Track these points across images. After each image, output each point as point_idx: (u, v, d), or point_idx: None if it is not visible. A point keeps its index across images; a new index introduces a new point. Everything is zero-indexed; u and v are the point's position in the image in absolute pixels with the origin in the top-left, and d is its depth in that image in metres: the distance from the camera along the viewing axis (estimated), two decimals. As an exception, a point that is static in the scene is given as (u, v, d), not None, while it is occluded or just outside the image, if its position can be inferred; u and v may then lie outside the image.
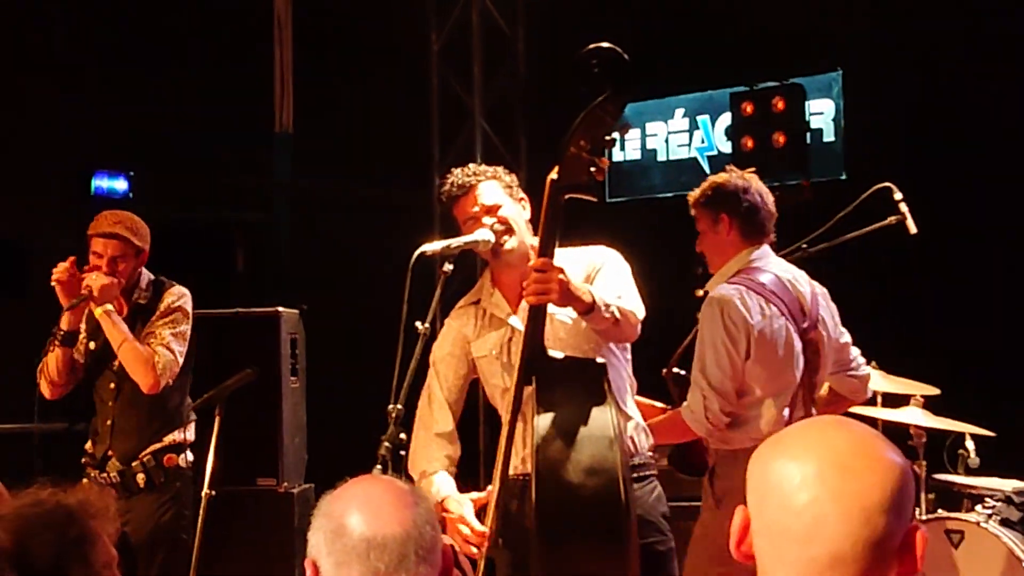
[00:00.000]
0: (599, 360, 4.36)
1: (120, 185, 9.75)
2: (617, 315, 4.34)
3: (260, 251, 10.11)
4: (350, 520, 2.41)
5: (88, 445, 6.03)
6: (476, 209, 4.64)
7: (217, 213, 10.07)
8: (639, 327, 4.53)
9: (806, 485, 1.97)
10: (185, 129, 9.68)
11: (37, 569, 2.66)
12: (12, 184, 9.16)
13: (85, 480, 5.91)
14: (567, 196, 4.19)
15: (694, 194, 5.20)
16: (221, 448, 5.69)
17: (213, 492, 5.70)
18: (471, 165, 4.80)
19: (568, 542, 4.04)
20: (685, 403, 4.91)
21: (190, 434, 6.07)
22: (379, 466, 4.14)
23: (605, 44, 4.12)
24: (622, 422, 4.43)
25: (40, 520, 2.72)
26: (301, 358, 7.74)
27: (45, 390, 5.94)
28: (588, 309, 4.28)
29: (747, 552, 2.08)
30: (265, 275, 9.93)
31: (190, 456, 6.02)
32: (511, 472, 4.40)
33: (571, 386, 4.24)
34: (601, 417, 4.16)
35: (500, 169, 4.78)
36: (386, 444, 4.18)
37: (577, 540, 4.03)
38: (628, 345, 4.74)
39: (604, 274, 4.60)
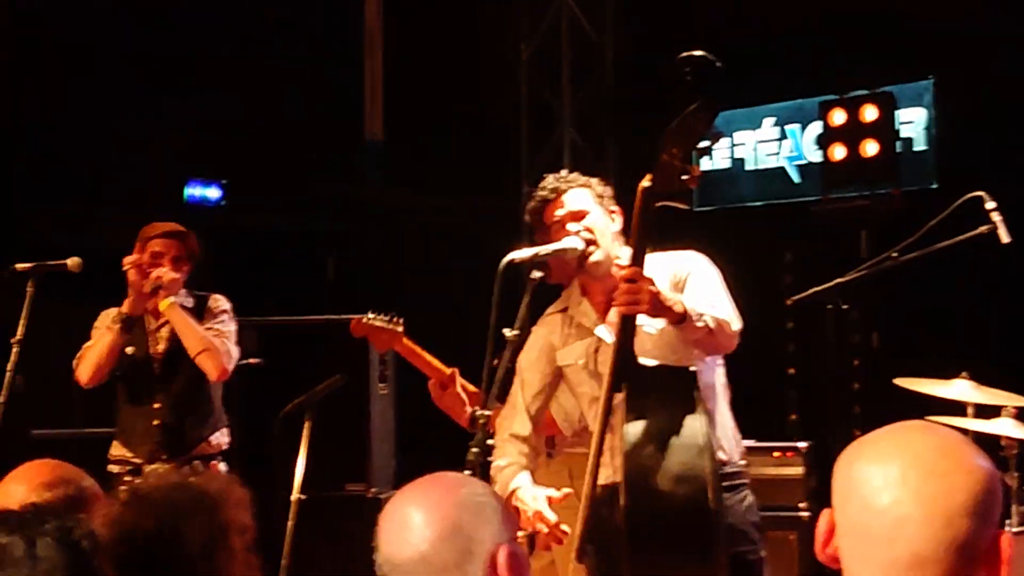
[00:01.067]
0: (690, 367, 4.35)
1: (213, 193, 9.85)
2: (711, 324, 4.31)
3: (351, 259, 10.18)
4: (378, 538, 2.48)
5: (118, 451, 6.07)
6: (562, 213, 4.64)
7: (308, 222, 10.15)
8: (737, 337, 4.49)
9: (888, 486, 1.98)
10: (277, 138, 9.75)
11: (188, 553, 2.67)
12: (107, 193, 9.27)
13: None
14: (659, 204, 4.19)
15: None
16: (311, 453, 5.75)
17: (304, 496, 5.75)
18: (564, 172, 4.81)
19: (657, 549, 4.04)
20: None
21: (225, 438, 6.14)
22: (467, 471, 4.16)
23: (698, 52, 4.13)
24: (713, 430, 4.41)
25: (190, 504, 2.72)
26: (390, 365, 7.79)
27: (85, 373, 5.99)
28: (680, 319, 4.25)
29: (832, 554, 2.08)
30: (356, 283, 10.00)
31: (222, 467, 6.08)
32: (602, 481, 4.38)
33: (662, 394, 4.23)
34: (692, 425, 4.16)
35: (595, 180, 4.76)
36: (474, 450, 4.20)
37: (666, 548, 4.03)
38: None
39: (693, 282, 4.55)
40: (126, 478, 5.78)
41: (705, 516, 4.09)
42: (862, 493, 2.01)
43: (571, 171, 4.88)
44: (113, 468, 6.02)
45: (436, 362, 5.95)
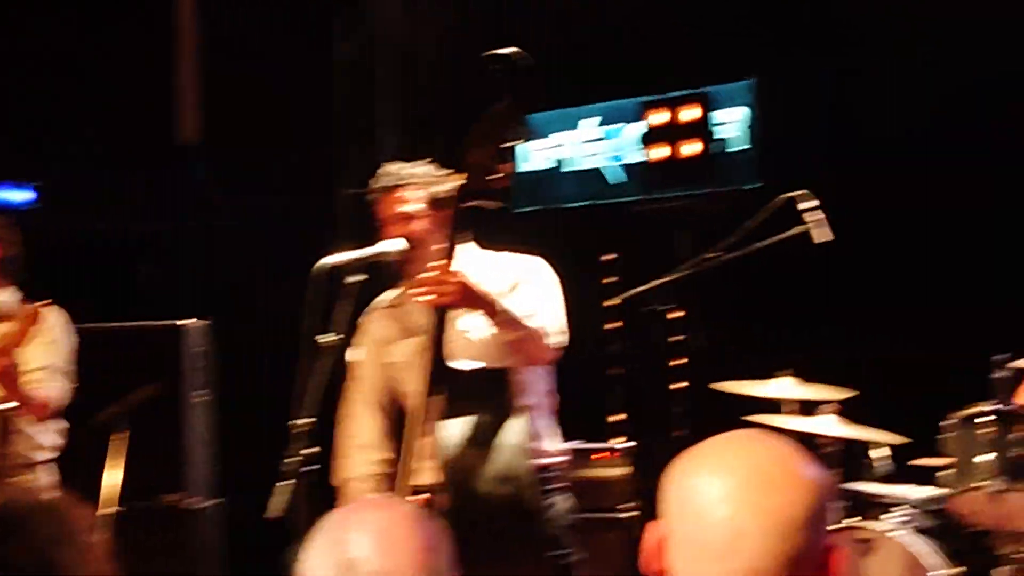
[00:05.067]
0: (505, 368, 4.33)
1: (23, 196, 9.59)
2: (522, 333, 4.30)
3: (167, 263, 9.95)
4: None
5: None
6: (392, 211, 4.59)
7: (122, 224, 9.91)
8: (552, 351, 4.49)
9: (726, 499, 1.94)
10: (89, 139, 9.51)
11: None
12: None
13: None
14: (469, 203, 4.17)
15: None
16: (126, 464, 5.59)
17: (120, 509, 5.60)
18: (407, 164, 4.73)
19: (479, 550, 3.97)
20: None
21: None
22: (285, 482, 4.09)
23: (507, 49, 4.09)
24: (534, 433, 4.39)
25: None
26: (208, 371, 7.63)
27: None
28: (490, 319, 4.23)
29: (660, 569, 2.04)
30: (171, 287, 9.78)
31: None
32: (418, 483, 4.35)
33: (477, 396, 4.22)
34: (509, 426, 4.16)
35: (442, 175, 4.67)
36: (291, 459, 4.14)
37: (489, 548, 3.98)
38: None
39: (525, 288, 4.55)
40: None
41: (526, 516, 4.10)
42: (698, 506, 1.97)
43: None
44: None
45: None
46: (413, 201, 4.62)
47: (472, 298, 4.18)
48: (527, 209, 9.61)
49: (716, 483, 1.96)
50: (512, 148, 4.15)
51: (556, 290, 4.60)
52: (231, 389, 8.05)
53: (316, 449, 4.21)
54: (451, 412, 4.16)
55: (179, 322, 7.49)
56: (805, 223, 5.56)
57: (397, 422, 4.67)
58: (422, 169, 4.69)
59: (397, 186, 4.63)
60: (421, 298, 4.21)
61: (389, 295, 4.86)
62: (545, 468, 4.56)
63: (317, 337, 4.24)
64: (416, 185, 4.64)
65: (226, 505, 7.62)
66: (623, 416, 8.89)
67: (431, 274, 4.17)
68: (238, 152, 9.47)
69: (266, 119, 9.42)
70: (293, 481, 4.15)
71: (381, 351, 4.76)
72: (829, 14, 8.30)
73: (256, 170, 9.51)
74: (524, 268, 4.62)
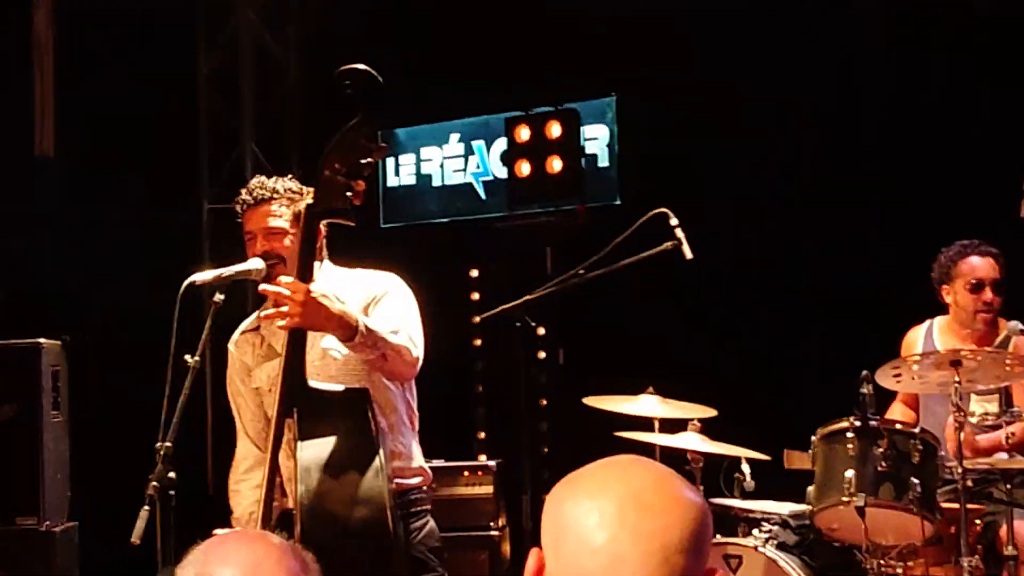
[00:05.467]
0: (362, 387, 4.29)
1: None
2: (386, 349, 4.26)
3: (22, 281, 9.72)
4: None
5: None
6: (255, 228, 4.53)
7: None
8: (416, 366, 4.45)
9: (605, 524, 1.92)
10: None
11: None
12: None
13: None
14: (324, 221, 4.14)
15: None
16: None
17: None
18: (278, 179, 4.66)
19: (336, 574, 3.92)
20: None
21: None
22: (147, 506, 4.01)
23: (359, 66, 4.07)
24: (395, 454, 4.41)
25: None
26: (64, 391, 7.46)
27: None
28: (350, 336, 4.19)
29: None
30: (30, 305, 9.56)
31: None
32: (286, 506, 4.36)
33: (334, 417, 4.17)
34: (366, 447, 4.11)
35: (308, 191, 4.58)
36: (154, 483, 4.06)
37: (345, 572, 3.91)
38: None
39: (384, 304, 4.51)
40: None
41: (384, 537, 4.06)
42: (576, 531, 1.94)
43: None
44: None
45: None
46: (280, 216, 4.55)
47: (330, 318, 4.12)
48: (394, 225, 9.57)
49: (595, 508, 1.93)
50: (367, 165, 4.11)
51: (414, 305, 4.57)
52: (87, 409, 7.90)
53: (173, 475, 4.10)
54: (310, 433, 4.10)
55: (35, 341, 7.32)
56: (676, 239, 5.57)
57: None
58: (287, 184, 4.62)
59: (264, 201, 4.56)
60: (277, 321, 4.14)
61: (251, 319, 4.79)
62: (407, 489, 4.53)
63: (185, 356, 4.15)
64: (282, 200, 4.57)
65: (81, 528, 7.46)
66: (486, 433, 8.88)
67: (283, 292, 4.09)
68: (97, 166, 9.29)
69: (128, 133, 9.26)
70: (156, 505, 4.05)
71: (247, 377, 4.69)
72: (688, 32, 8.38)
73: (116, 185, 9.34)
74: (381, 284, 4.57)
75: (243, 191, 4.64)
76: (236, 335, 4.78)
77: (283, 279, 4.17)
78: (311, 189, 4.51)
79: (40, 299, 8.97)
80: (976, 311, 6.26)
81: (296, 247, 4.48)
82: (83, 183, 9.40)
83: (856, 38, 8.10)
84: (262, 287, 4.24)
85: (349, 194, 4.10)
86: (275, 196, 4.56)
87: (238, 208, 4.64)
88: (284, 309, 4.09)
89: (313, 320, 4.09)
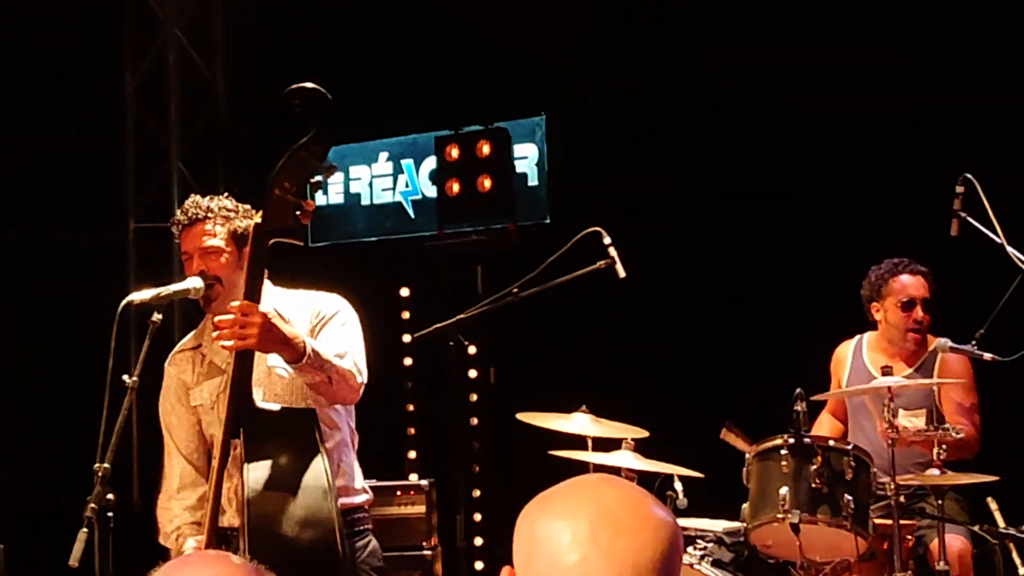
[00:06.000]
0: (308, 407, 4.26)
1: None
2: (331, 373, 4.24)
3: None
4: None
5: None
6: (191, 247, 4.50)
7: None
8: (359, 392, 4.45)
9: (577, 544, 1.92)
10: None
11: None
12: None
13: None
14: (272, 240, 4.09)
15: None
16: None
17: None
18: (212, 198, 4.62)
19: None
20: None
21: None
22: (85, 529, 4.01)
23: (309, 84, 4.05)
24: (340, 474, 4.40)
25: None
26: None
27: None
28: (297, 359, 4.16)
29: None
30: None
31: None
32: (221, 524, 4.31)
33: (281, 437, 4.16)
34: (314, 467, 4.10)
35: (243, 210, 4.59)
36: (92, 505, 4.05)
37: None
38: None
39: (330, 327, 4.49)
40: None
41: (332, 557, 4.06)
42: (549, 550, 1.94)
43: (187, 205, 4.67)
44: None
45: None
46: (215, 236, 4.52)
47: (277, 340, 4.09)
48: (322, 244, 9.52)
49: (567, 527, 1.94)
50: (316, 184, 4.10)
51: (359, 329, 4.56)
52: (18, 433, 7.80)
53: (111, 497, 4.06)
54: (257, 454, 4.06)
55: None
56: (609, 257, 5.58)
57: (209, 466, 4.58)
58: (222, 203, 4.58)
59: (199, 220, 4.52)
60: (223, 342, 4.10)
61: (189, 338, 4.75)
62: (351, 508, 4.51)
63: (123, 377, 4.11)
64: (216, 219, 4.53)
65: (7, 552, 7.35)
66: (418, 452, 8.84)
67: (230, 316, 4.06)
68: (22, 183, 9.17)
69: (53, 151, 9.15)
70: (94, 527, 4.01)
71: (185, 396, 4.64)
72: (616, 50, 8.41)
73: (43, 203, 9.22)
74: (326, 306, 4.55)
75: (178, 211, 4.60)
76: (172, 354, 4.74)
77: (234, 304, 4.14)
78: (247, 207, 4.49)
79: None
80: (907, 329, 6.32)
81: (232, 266, 4.46)
82: (7, 200, 9.28)
83: (791, 44, 8.12)
84: (217, 318, 4.17)
85: (298, 213, 4.08)
86: (209, 215, 4.53)
87: (174, 229, 4.60)
88: (236, 330, 4.04)
89: (264, 342, 4.07)
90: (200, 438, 4.62)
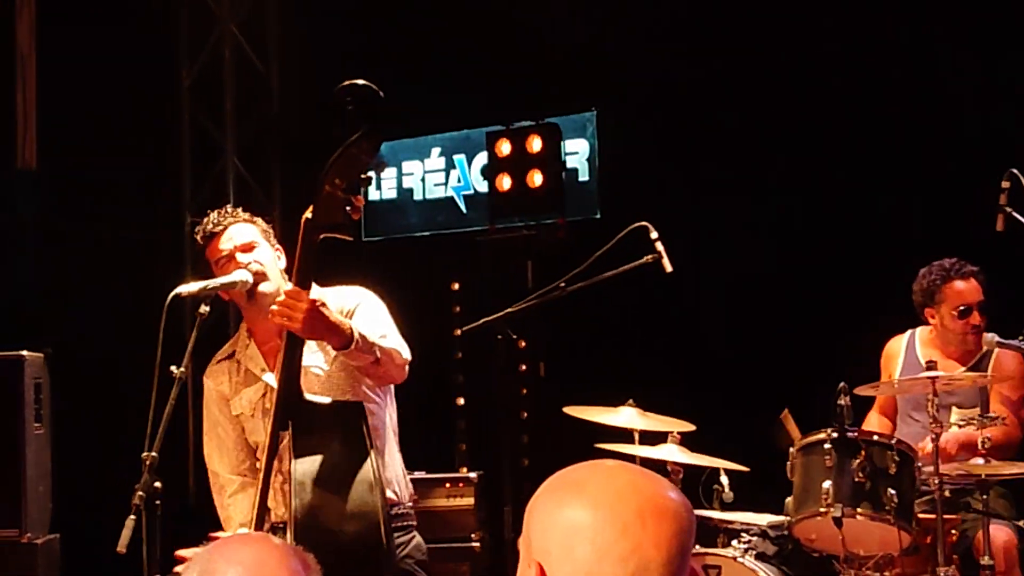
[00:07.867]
0: (356, 402, 4.30)
1: None
2: (378, 353, 4.28)
3: (4, 293, 9.72)
4: None
5: None
6: (228, 246, 4.55)
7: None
8: (406, 368, 4.48)
9: (629, 532, 1.93)
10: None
11: None
12: None
13: None
14: (322, 235, 4.13)
15: None
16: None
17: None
18: (228, 207, 4.70)
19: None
20: None
21: None
22: (132, 516, 4.04)
23: (360, 81, 4.08)
24: (384, 469, 4.39)
25: None
26: (46, 403, 7.45)
27: None
28: (346, 344, 4.22)
29: None
30: (10, 318, 9.56)
31: None
32: (273, 519, 4.40)
33: (329, 430, 4.18)
34: (361, 461, 4.12)
35: (259, 219, 4.72)
36: (140, 493, 4.09)
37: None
38: (391, 389, 4.68)
39: (362, 313, 4.53)
40: None
41: (377, 551, 4.07)
42: (592, 539, 1.93)
43: (235, 203, 4.79)
44: None
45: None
46: (246, 233, 4.59)
47: (324, 327, 4.15)
48: (375, 238, 9.59)
49: (612, 516, 1.94)
50: (366, 180, 4.14)
51: (387, 310, 4.61)
52: (70, 421, 7.90)
53: (158, 485, 4.13)
54: (305, 447, 4.11)
55: (17, 353, 7.31)
56: (656, 252, 5.61)
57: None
58: (240, 214, 4.67)
59: (223, 227, 4.60)
60: (276, 318, 4.15)
61: (224, 348, 4.80)
62: (395, 503, 4.55)
63: (171, 368, 4.17)
64: (239, 221, 4.62)
65: (64, 540, 7.45)
66: (467, 445, 8.89)
67: (289, 298, 4.12)
68: (79, 178, 9.29)
69: (110, 146, 9.26)
70: (142, 515, 4.07)
71: (226, 406, 4.69)
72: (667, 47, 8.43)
73: (99, 197, 9.34)
74: (351, 298, 4.60)
75: (198, 229, 4.67)
76: (210, 367, 4.79)
77: (286, 287, 4.21)
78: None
79: (22, 311, 8.97)
80: (965, 334, 6.27)
81: (269, 257, 4.53)
82: (65, 195, 9.41)
83: (844, 38, 8.13)
84: (272, 307, 4.21)
85: (348, 208, 4.10)
86: (233, 220, 4.61)
87: (200, 241, 4.66)
88: (284, 310, 4.11)
89: (313, 329, 4.12)
90: (247, 447, 4.68)
